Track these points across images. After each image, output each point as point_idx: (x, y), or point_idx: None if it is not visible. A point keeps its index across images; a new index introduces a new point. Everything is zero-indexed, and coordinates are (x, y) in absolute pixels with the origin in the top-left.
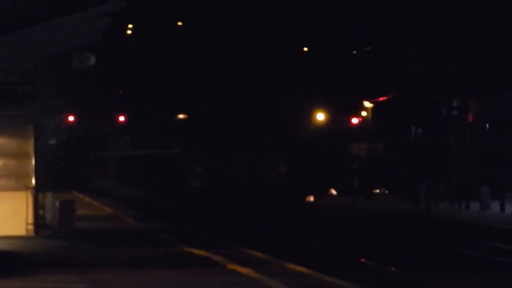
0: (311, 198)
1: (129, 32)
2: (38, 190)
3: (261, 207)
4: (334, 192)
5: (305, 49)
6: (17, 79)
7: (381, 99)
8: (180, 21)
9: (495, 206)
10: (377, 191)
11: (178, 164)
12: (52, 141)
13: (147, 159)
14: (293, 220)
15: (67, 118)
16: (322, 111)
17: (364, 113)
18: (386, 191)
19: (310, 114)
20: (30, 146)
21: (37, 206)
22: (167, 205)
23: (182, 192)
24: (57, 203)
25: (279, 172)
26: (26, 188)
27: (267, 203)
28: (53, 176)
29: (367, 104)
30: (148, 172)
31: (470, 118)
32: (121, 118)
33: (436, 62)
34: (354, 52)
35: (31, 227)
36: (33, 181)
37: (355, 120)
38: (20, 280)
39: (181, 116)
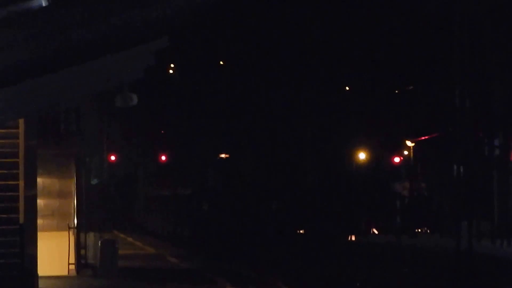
0: (353, 237)
1: (171, 71)
2: (80, 230)
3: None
4: (375, 230)
5: (347, 88)
6: (60, 117)
7: (423, 137)
8: (222, 60)
9: None
10: (419, 230)
11: (190, 202)
12: (94, 181)
13: (172, 197)
14: (337, 257)
15: (109, 157)
16: (363, 150)
17: (405, 152)
18: (428, 230)
19: (351, 153)
20: (72, 185)
21: (79, 246)
22: (189, 237)
23: (195, 225)
24: (99, 243)
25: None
26: (68, 227)
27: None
28: (95, 215)
29: (408, 143)
30: (171, 209)
31: None
32: (163, 158)
33: (478, 101)
34: (396, 91)
35: (72, 266)
36: (75, 220)
37: (397, 159)
38: None
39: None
